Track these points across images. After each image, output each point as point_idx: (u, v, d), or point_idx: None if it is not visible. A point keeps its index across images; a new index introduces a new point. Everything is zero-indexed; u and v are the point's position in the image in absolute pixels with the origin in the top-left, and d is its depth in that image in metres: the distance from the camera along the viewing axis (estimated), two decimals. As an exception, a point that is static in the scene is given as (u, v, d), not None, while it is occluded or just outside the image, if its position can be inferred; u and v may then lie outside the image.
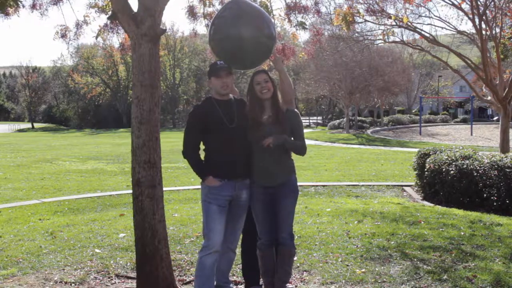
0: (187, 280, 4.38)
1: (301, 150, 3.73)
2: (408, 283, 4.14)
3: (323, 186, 10.07)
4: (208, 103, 3.73)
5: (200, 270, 3.62)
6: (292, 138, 3.72)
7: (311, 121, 55.21)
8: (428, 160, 8.69)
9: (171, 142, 26.21)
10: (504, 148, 10.77)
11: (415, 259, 4.72)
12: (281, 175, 3.70)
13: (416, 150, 10.43)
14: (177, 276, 4.42)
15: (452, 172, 7.79)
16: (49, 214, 7.57)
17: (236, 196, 3.70)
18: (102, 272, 4.58)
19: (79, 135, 42.81)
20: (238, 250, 4.08)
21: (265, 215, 3.76)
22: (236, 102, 3.79)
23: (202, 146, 3.78)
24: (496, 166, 7.41)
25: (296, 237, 5.26)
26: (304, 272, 4.49)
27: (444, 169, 7.99)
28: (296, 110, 3.85)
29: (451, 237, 5.47)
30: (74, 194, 9.64)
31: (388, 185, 10.11)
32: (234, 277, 4.39)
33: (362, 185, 10.15)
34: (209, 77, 3.74)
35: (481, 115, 56.74)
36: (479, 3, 10.17)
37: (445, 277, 4.24)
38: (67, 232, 6.09)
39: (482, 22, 10.13)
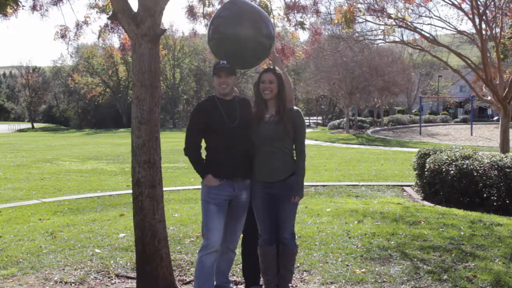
0: (187, 280, 4.38)
1: (304, 163, 3.74)
2: (408, 283, 4.14)
3: (323, 186, 10.06)
4: (210, 101, 3.74)
5: (200, 270, 3.62)
6: (294, 139, 3.72)
7: (311, 121, 55.27)
8: (428, 160, 8.69)
9: (171, 142, 26.22)
10: (504, 148, 10.77)
11: (415, 259, 4.72)
12: (281, 171, 3.68)
13: (416, 150, 10.42)
14: (177, 276, 4.42)
15: (452, 172, 7.79)
16: (49, 214, 7.57)
17: (235, 197, 3.69)
18: (102, 272, 4.58)
19: (79, 135, 42.79)
20: (238, 250, 4.08)
21: (265, 212, 3.76)
22: (240, 102, 3.78)
23: (203, 144, 3.79)
24: (496, 166, 7.41)
25: (296, 237, 5.24)
26: (304, 272, 4.49)
27: (444, 169, 7.98)
28: (298, 109, 3.85)
29: (451, 237, 5.47)
30: (74, 194, 9.64)
31: (388, 185, 10.11)
32: (234, 277, 4.39)
33: (362, 185, 10.15)
34: (213, 76, 3.77)
35: (481, 115, 56.72)
36: (479, 3, 10.16)
37: (445, 277, 4.25)
38: (67, 232, 6.08)
39: (482, 22, 10.13)
